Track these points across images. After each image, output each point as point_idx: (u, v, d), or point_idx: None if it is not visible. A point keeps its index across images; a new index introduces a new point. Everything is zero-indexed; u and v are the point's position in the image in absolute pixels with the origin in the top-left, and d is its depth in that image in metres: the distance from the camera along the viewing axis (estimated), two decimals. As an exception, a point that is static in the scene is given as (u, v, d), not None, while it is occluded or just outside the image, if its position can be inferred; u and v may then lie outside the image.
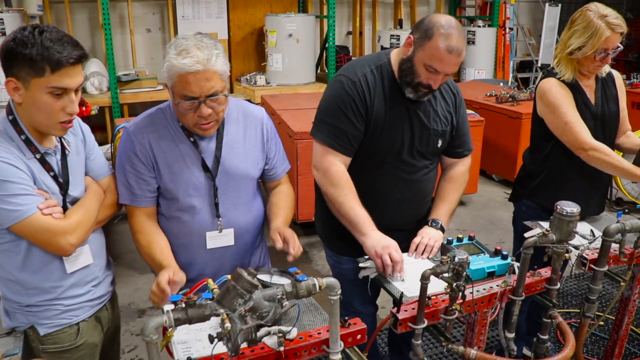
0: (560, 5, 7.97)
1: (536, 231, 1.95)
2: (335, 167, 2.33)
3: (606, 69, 2.75)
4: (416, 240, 2.37)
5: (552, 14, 7.85)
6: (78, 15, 7.37)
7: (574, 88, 2.68)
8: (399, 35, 7.36)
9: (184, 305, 1.49)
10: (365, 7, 8.66)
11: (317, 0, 8.50)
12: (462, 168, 2.59)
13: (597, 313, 2.34)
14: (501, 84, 7.42)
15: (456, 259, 1.80)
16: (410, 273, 2.18)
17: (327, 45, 7.44)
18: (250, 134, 2.23)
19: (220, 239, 2.21)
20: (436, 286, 1.89)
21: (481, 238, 5.09)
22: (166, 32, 7.83)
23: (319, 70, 8.18)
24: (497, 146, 6.09)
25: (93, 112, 5.33)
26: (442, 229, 2.43)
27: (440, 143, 2.45)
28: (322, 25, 8.33)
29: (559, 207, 1.98)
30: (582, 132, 2.61)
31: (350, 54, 8.15)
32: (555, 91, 2.66)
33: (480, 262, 2.15)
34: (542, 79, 2.80)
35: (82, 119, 5.09)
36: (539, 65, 8.32)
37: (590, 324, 2.33)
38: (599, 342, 3.63)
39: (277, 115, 5.33)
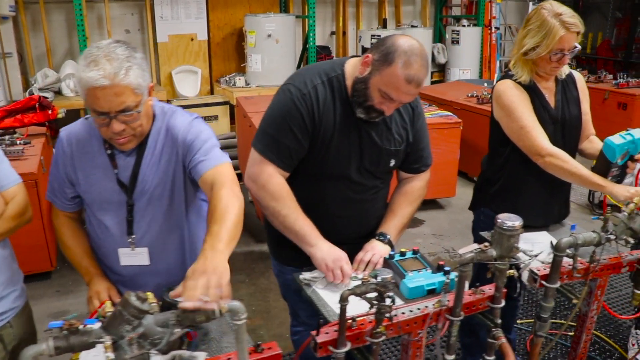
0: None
1: (472, 247, 1.81)
2: (275, 179, 2.18)
3: (565, 70, 2.61)
4: (359, 255, 2.24)
5: (536, 13, 7.69)
6: (55, 15, 7.23)
7: (532, 90, 2.54)
8: (379, 35, 7.21)
9: (66, 332, 1.39)
10: (348, 7, 8.52)
11: (299, 0, 8.36)
12: (418, 183, 2.44)
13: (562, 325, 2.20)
14: (485, 84, 7.27)
15: (379, 279, 1.66)
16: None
17: (308, 46, 7.31)
18: (166, 151, 2.02)
19: (133, 257, 2.08)
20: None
21: (457, 243, 4.97)
22: (145, 33, 7.69)
23: (301, 71, 8.03)
24: (477, 148, 5.94)
25: (60, 115, 5.17)
26: (389, 244, 2.29)
27: (393, 162, 2.30)
28: (304, 25, 8.19)
29: (499, 220, 1.84)
30: (538, 137, 2.46)
31: (332, 54, 8.01)
32: (510, 93, 2.52)
33: (419, 279, 2.01)
34: (498, 81, 2.66)
35: (49, 122, 5.02)
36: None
37: (544, 344, 2.20)
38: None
39: (247, 117, 5.19)
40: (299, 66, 7.77)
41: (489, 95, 6.16)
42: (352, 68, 2.16)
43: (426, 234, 5.23)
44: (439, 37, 9.05)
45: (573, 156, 2.67)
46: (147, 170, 2.01)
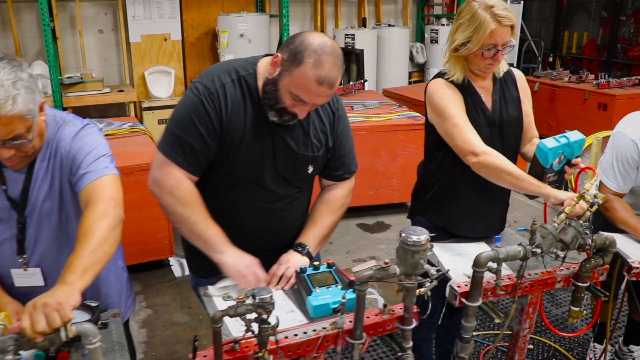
0: (522, 2, 7.64)
1: (369, 263, 1.64)
2: (184, 184, 2.01)
3: (503, 67, 2.43)
4: (273, 268, 2.08)
5: (514, 12, 7.50)
6: (24, 15, 7.07)
7: (466, 90, 2.37)
8: (353, 35, 7.05)
9: None
10: (327, 6, 8.35)
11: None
12: (341, 191, 2.27)
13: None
14: (463, 85, 7.10)
15: (257, 299, 1.50)
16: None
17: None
18: (55, 166, 1.87)
19: (27, 278, 1.92)
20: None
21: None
22: (119, 33, 7.53)
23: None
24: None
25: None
26: (308, 255, 2.13)
27: (311, 169, 2.14)
28: (281, 25, 8.02)
29: (403, 234, 1.67)
30: (470, 136, 2.27)
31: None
32: (441, 92, 2.35)
33: (326, 297, 1.84)
34: (431, 80, 2.49)
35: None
36: (501, 64, 7.98)
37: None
38: None
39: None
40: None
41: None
42: (264, 67, 1.99)
43: (391, 239, 5.06)
44: (421, 37, 8.88)
45: (514, 160, 2.51)
46: (37, 186, 1.85)
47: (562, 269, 2.12)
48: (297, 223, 2.24)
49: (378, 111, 5.54)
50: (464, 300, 1.91)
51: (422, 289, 1.72)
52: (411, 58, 8.35)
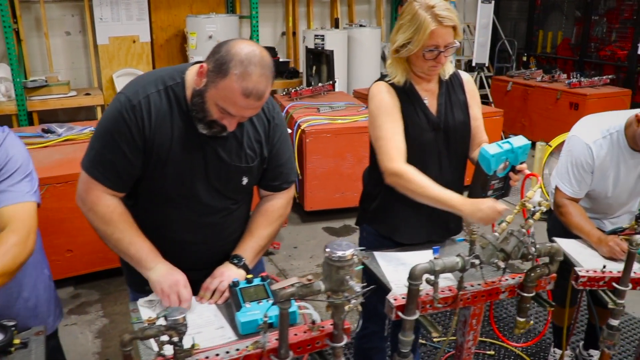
0: (493, 2, 7.60)
1: (292, 280, 1.56)
2: (104, 201, 1.92)
3: (449, 69, 2.36)
4: (207, 282, 1.99)
5: (485, 11, 7.48)
6: (-12, 17, 6.93)
7: (407, 93, 2.29)
8: (323, 36, 6.97)
9: None
10: (299, 7, 8.27)
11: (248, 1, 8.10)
12: (279, 202, 2.19)
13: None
14: (435, 85, 7.04)
15: (169, 320, 1.41)
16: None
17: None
18: None
19: None
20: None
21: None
22: (86, 35, 7.40)
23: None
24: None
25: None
26: (244, 267, 2.05)
27: (245, 180, 2.05)
28: (251, 26, 7.93)
29: (327, 249, 1.59)
30: (390, 152, 2.21)
31: (278, 56, 7.75)
32: (378, 99, 2.28)
33: (255, 312, 1.75)
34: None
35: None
36: (474, 64, 7.95)
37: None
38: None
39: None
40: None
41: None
42: (192, 76, 1.88)
43: (356, 242, 4.98)
44: (395, 37, 8.81)
45: (462, 165, 2.44)
46: None
47: (506, 279, 2.04)
48: (235, 236, 2.15)
49: (344, 113, 5.47)
50: (400, 313, 1.84)
51: (350, 305, 1.65)
52: (383, 58, 8.28)
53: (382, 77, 2.34)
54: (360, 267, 1.69)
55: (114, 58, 7.30)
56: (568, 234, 2.63)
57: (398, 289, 1.97)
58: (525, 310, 2.06)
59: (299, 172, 5.24)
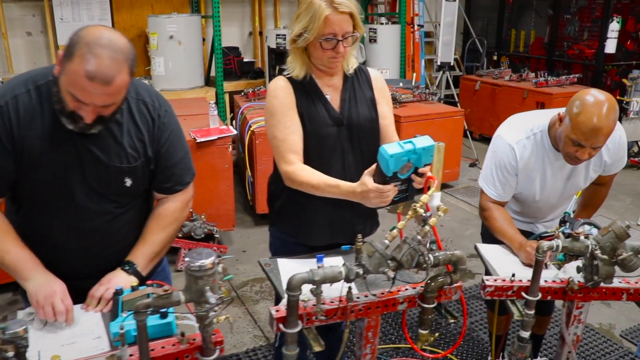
0: (457, 0, 7.50)
1: (147, 290, 1.45)
2: None
3: (352, 64, 2.26)
4: (93, 290, 1.88)
5: (449, 10, 7.38)
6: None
7: (307, 88, 2.20)
8: (284, 35, 6.85)
9: None
10: (265, 6, 8.15)
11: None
12: (173, 205, 2.07)
13: None
14: (400, 84, 6.96)
15: (6, 334, 1.31)
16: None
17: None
18: None
19: None
20: None
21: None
22: (48, 36, 7.25)
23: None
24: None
25: None
26: (136, 274, 1.94)
27: (129, 182, 1.93)
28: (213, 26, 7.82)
29: (187, 258, 1.48)
30: (283, 154, 2.16)
31: (242, 56, 7.63)
32: (273, 95, 2.19)
33: (130, 323, 1.62)
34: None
35: None
36: (438, 63, 7.85)
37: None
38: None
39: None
40: (207, 68, 7.39)
41: (392, 96, 5.86)
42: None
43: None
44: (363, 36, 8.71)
45: (369, 163, 2.31)
46: None
47: (406, 289, 1.93)
48: (127, 242, 2.02)
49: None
50: (281, 326, 1.72)
51: (221, 317, 1.55)
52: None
53: (281, 71, 2.24)
54: (229, 276, 1.59)
55: (75, 59, 7.15)
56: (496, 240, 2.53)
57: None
58: (427, 322, 1.95)
59: (249, 173, 5.12)
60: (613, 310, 3.93)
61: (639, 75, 6.85)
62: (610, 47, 6.91)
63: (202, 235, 4.43)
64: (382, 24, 7.94)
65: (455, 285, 1.95)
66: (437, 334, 2.03)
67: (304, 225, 2.30)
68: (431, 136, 1.96)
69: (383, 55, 7.82)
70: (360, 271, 1.71)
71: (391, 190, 1.93)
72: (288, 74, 2.21)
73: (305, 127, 2.18)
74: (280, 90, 2.18)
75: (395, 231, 1.77)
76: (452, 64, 7.94)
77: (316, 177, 2.11)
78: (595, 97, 2.18)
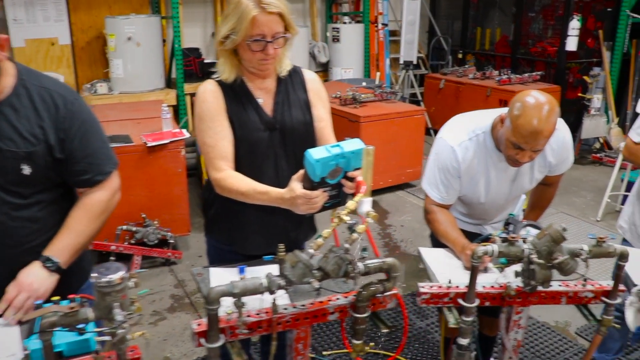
0: (419, -1, 7.49)
1: (53, 308, 1.36)
2: None
3: (286, 66, 2.19)
4: (10, 293, 1.77)
5: (411, 8, 7.35)
6: None
7: (238, 91, 2.13)
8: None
9: None
10: (227, 7, 8.03)
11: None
12: (100, 194, 1.95)
13: None
14: (364, 84, 6.90)
15: None
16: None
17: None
18: None
19: None
20: None
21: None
22: (2, 38, 7.07)
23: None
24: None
25: None
26: (59, 270, 1.83)
27: (27, 170, 1.79)
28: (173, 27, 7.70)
29: (94, 274, 1.40)
30: (213, 161, 2.09)
31: (203, 57, 7.52)
32: (202, 99, 2.12)
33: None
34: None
35: None
36: (401, 62, 7.82)
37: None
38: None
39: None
40: (168, 70, 7.26)
41: (351, 96, 5.80)
42: None
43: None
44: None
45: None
46: None
47: (337, 298, 1.87)
48: (38, 241, 1.88)
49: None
50: (202, 341, 1.64)
51: (135, 334, 1.47)
52: (313, 57, 8.11)
53: (210, 74, 2.17)
54: (144, 291, 1.51)
55: (31, 62, 6.96)
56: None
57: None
58: (361, 332, 1.88)
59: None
60: (569, 308, 3.90)
61: (599, 72, 6.89)
62: (571, 44, 6.93)
63: (156, 241, 4.32)
64: (345, 23, 7.88)
65: (390, 293, 1.89)
66: (372, 344, 1.97)
67: (237, 233, 2.22)
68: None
69: (346, 54, 7.76)
70: (283, 282, 1.64)
71: (320, 197, 1.86)
72: (218, 78, 2.13)
73: (236, 132, 2.11)
74: (208, 94, 2.10)
75: (320, 240, 1.70)
76: (415, 62, 7.90)
77: (245, 185, 2.03)
78: (536, 99, 2.13)
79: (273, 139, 2.14)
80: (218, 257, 2.30)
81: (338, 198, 1.96)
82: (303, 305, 1.81)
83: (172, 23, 6.76)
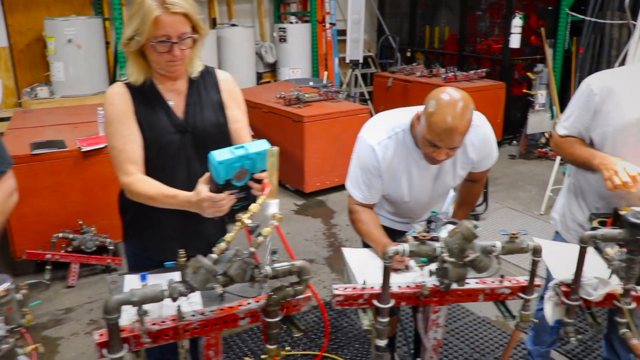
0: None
1: None
2: None
3: (196, 66, 2.15)
4: None
5: (356, 7, 7.36)
6: None
7: (147, 93, 2.09)
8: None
9: None
10: (132, 6, 7.91)
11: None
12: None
13: None
14: (311, 83, 6.88)
15: None
16: None
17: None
18: None
19: None
20: None
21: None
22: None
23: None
24: (285, 153, 5.49)
25: None
26: None
27: None
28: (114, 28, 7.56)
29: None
30: (121, 165, 2.04)
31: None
32: (110, 102, 2.07)
33: None
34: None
35: None
36: (347, 61, 7.84)
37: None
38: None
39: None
40: (112, 73, 7.12)
41: (295, 96, 5.77)
42: None
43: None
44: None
45: None
46: None
47: (248, 303, 1.84)
48: None
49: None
50: (104, 352, 1.60)
51: (27, 348, 1.42)
52: (261, 58, 8.06)
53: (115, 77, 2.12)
54: (37, 302, 1.45)
55: (-33, 65, 6.79)
56: None
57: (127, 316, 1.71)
58: (274, 337, 1.85)
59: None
60: (509, 302, 3.95)
61: (542, 69, 7.00)
62: (515, 42, 7.03)
63: (94, 248, 4.21)
64: (291, 23, 7.86)
65: (302, 296, 1.86)
66: (288, 348, 1.94)
67: (153, 239, 2.18)
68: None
69: (294, 54, 7.74)
70: (183, 289, 1.60)
71: (226, 199, 1.83)
72: (126, 80, 2.08)
73: (145, 135, 2.06)
74: (116, 97, 2.05)
75: (223, 244, 1.66)
76: (361, 61, 7.92)
77: (154, 189, 1.99)
78: (450, 95, 2.14)
79: (185, 141, 2.10)
80: (137, 264, 2.25)
81: (247, 200, 1.91)
82: (211, 311, 1.77)
83: (114, 25, 6.64)
